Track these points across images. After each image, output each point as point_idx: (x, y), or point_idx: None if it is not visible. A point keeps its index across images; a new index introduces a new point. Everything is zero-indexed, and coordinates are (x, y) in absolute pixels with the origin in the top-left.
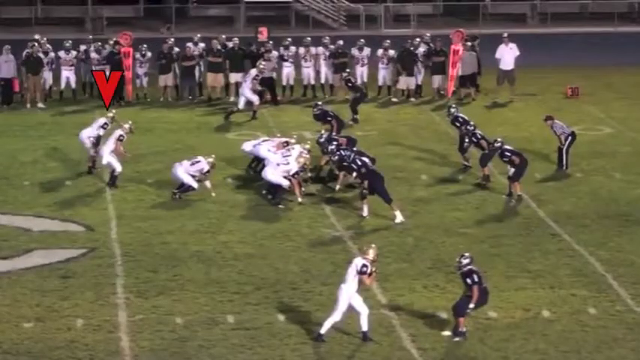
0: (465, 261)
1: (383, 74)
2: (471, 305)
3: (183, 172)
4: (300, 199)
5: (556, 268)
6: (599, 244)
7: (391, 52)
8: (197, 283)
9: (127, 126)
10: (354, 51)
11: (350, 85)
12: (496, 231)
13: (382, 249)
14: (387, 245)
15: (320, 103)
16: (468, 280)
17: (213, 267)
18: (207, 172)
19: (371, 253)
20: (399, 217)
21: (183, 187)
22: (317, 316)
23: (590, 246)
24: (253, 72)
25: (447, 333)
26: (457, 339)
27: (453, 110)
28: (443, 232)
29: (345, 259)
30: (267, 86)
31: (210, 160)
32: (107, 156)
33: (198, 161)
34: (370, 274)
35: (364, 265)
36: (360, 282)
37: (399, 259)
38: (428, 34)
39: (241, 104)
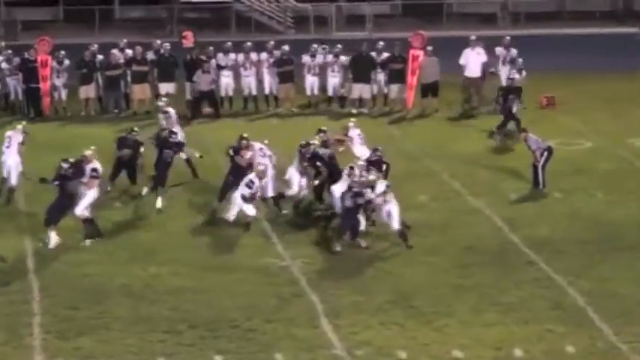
0: None
1: (333, 83)
2: None
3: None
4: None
5: (530, 301)
6: (579, 272)
7: (343, 59)
8: (124, 321)
9: (19, 127)
10: (306, 58)
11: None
12: (463, 259)
13: (336, 281)
14: (341, 276)
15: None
16: None
17: (142, 302)
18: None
19: None
20: (52, 242)
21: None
22: (260, 358)
23: (569, 275)
24: None
25: None
26: None
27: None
28: (403, 262)
29: (292, 291)
30: (208, 99)
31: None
32: (19, 165)
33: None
34: None
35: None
36: None
37: (354, 291)
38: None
39: None
